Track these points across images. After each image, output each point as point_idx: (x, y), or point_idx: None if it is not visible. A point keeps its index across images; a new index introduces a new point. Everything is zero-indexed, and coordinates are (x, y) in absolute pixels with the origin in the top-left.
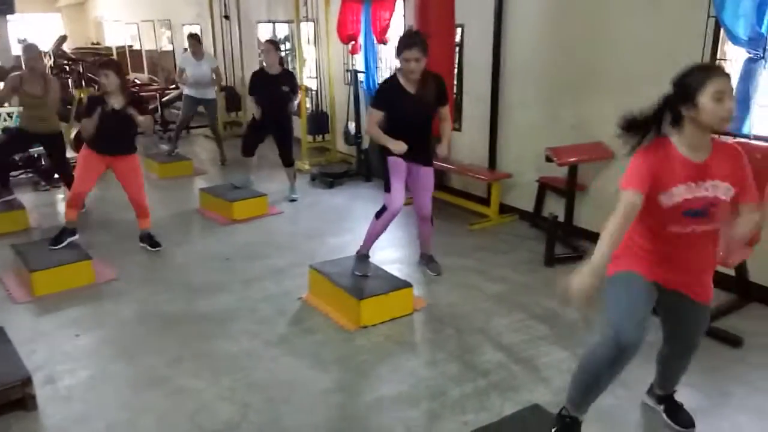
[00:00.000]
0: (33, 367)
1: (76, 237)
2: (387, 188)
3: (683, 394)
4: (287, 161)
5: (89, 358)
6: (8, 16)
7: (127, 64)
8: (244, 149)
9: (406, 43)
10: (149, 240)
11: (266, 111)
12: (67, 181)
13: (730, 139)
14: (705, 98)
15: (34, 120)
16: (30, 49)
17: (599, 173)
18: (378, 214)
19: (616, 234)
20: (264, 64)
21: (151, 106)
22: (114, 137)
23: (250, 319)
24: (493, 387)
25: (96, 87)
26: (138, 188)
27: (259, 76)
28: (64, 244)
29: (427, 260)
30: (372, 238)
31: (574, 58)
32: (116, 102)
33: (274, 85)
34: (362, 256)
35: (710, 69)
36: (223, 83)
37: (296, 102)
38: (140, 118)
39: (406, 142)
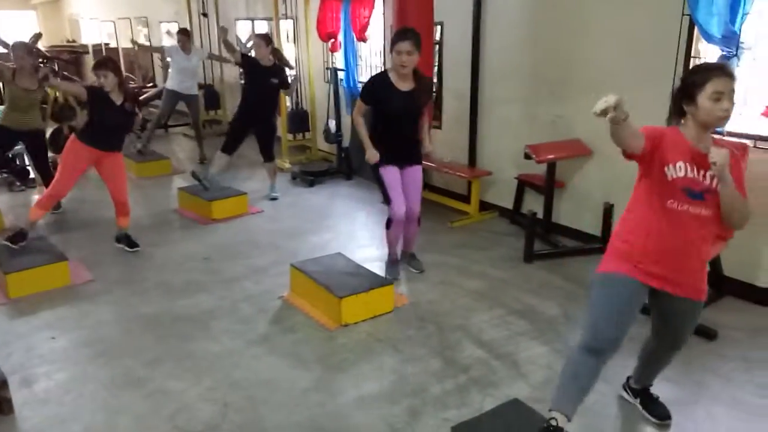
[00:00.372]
0: (9, 370)
1: (24, 243)
2: (386, 200)
3: (659, 387)
4: (268, 157)
5: (66, 360)
6: None
7: None
8: (225, 146)
9: (399, 35)
10: (127, 240)
11: (252, 104)
12: (48, 181)
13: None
14: (703, 97)
15: (20, 116)
16: (16, 47)
17: (577, 170)
18: (387, 225)
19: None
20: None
21: None
22: (113, 133)
23: (231, 318)
24: (473, 383)
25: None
26: (123, 186)
27: (253, 63)
28: (17, 247)
29: (409, 258)
30: (392, 244)
31: (553, 56)
32: (116, 99)
33: (265, 77)
34: (392, 261)
35: (712, 69)
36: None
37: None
38: (139, 117)
39: (394, 139)
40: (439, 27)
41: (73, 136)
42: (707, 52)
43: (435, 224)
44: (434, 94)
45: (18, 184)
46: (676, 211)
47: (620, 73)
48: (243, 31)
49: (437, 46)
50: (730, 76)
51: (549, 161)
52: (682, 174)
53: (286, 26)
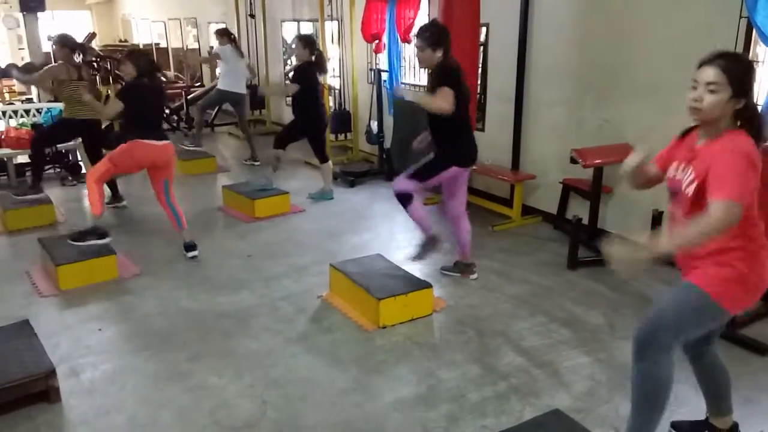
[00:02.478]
0: (57, 360)
1: (106, 240)
2: (423, 178)
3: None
4: (325, 158)
5: (111, 351)
6: (39, 14)
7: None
8: (277, 141)
9: (417, 31)
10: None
11: (311, 109)
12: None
13: None
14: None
15: (79, 106)
16: (54, 41)
17: None
18: (404, 207)
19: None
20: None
21: (176, 104)
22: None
23: (271, 316)
24: (513, 391)
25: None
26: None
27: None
28: (85, 244)
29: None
30: (420, 221)
31: (601, 59)
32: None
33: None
34: (428, 238)
35: (709, 58)
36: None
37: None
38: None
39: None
40: (484, 28)
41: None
42: (765, 56)
43: (476, 228)
44: (478, 95)
45: (70, 179)
46: (670, 210)
47: (672, 77)
48: (288, 32)
49: (482, 48)
50: (721, 67)
51: (596, 166)
52: (671, 175)
53: (331, 27)
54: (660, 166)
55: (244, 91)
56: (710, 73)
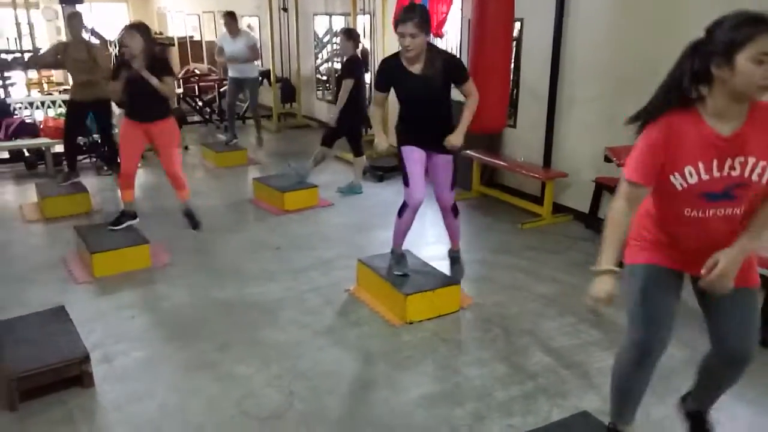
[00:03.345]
0: (91, 346)
1: (136, 221)
2: (406, 182)
3: (733, 409)
4: (360, 151)
5: (143, 339)
6: (77, 6)
7: (187, 54)
8: (325, 139)
9: (400, 17)
10: (190, 218)
11: (357, 102)
12: (111, 154)
13: None
14: (744, 57)
15: (83, 86)
16: (71, 17)
17: None
18: (400, 212)
19: (622, 226)
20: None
21: (209, 96)
22: (144, 102)
23: (299, 308)
24: (541, 391)
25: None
26: (171, 157)
27: (358, 62)
28: (122, 226)
29: (452, 258)
30: (400, 235)
31: (637, 56)
32: (138, 65)
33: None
34: (398, 256)
35: (760, 22)
36: (258, 62)
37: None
38: (155, 81)
39: (417, 124)
40: (518, 23)
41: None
42: None
43: (505, 225)
44: (511, 91)
45: (105, 168)
46: (698, 218)
47: None
48: (321, 26)
49: (515, 43)
50: None
51: None
52: (694, 180)
53: (363, 21)
54: (648, 181)
55: (249, 74)
56: None
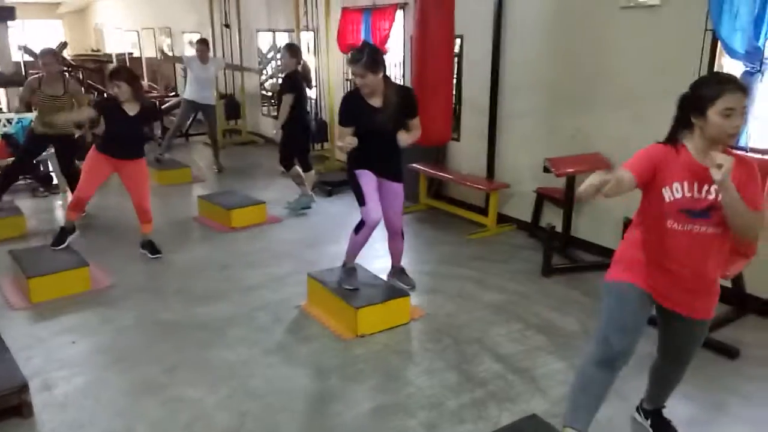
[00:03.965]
0: (29, 374)
1: (76, 234)
2: (361, 202)
3: (678, 406)
4: (309, 166)
5: (85, 365)
6: (9, 23)
7: None
8: (283, 162)
9: (350, 59)
10: (150, 247)
11: (301, 118)
12: (74, 185)
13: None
14: (714, 112)
15: (49, 122)
16: (44, 54)
17: None
18: (357, 229)
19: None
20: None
21: None
22: (127, 142)
23: (248, 327)
24: (490, 397)
25: (95, 94)
26: (144, 193)
27: (297, 78)
28: (66, 244)
29: (398, 273)
30: (354, 251)
31: (574, 70)
32: (131, 109)
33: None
34: (349, 269)
35: (726, 82)
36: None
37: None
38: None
39: (373, 153)
40: (459, 39)
41: (94, 145)
42: (730, 68)
43: (452, 236)
44: (454, 105)
45: (41, 189)
46: (679, 231)
47: (642, 87)
48: (264, 42)
49: (456, 59)
50: (743, 91)
51: (568, 175)
52: (679, 195)
53: (306, 38)
54: (642, 177)
55: (211, 101)
56: (742, 98)
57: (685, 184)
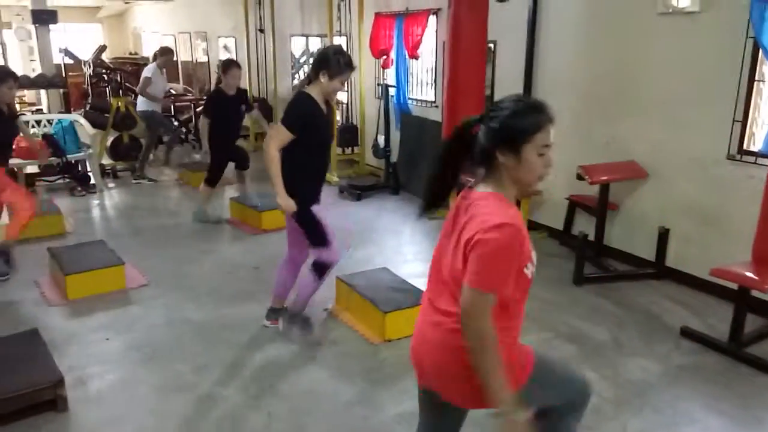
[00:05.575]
0: (65, 369)
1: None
2: (322, 242)
3: (711, 421)
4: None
5: (119, 361)
6: (51, 26)
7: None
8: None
9: (352, 64)
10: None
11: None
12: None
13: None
14: (530, 149)
15: None
16: None
17: (632, 192)
18: (321, 273)
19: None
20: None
21: (185, 116)
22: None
23: (277, 328)
24: None
25: (133, 96)
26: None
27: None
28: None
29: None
30: (308, 297)
31: (609, 76)
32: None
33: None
34: (306, 317)
35: (544, 112)
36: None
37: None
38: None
39: (319, 172)
40: (492, 45)
41: None
42: None
43: None
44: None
45: (79, 189)
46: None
47: (679, 94)
48: (297, 47)
49: (489, 65)
50: (553, 122)
51: (602, 183)
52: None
53: (339, 43)
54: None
55: (145, 107)
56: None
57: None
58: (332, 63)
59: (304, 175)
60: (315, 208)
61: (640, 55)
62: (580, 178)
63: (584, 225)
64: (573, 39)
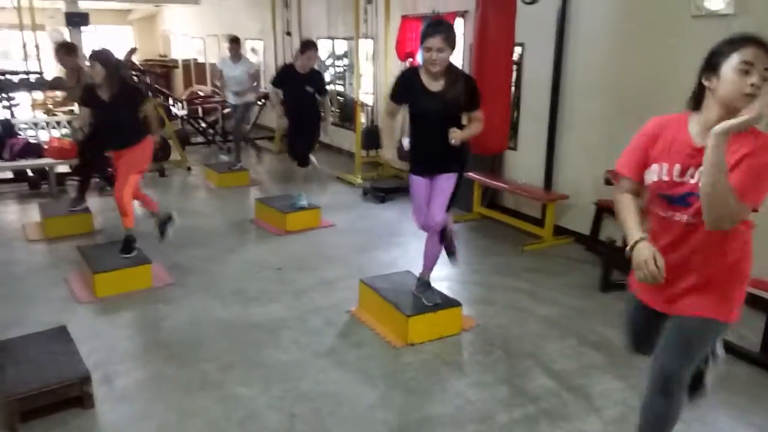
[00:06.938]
0: (92, 366)
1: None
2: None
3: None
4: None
5: (144, 359)
6: (83, 28)
7: (191, 76)
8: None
9: (429, 30)
10: (123, 243)
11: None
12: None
13: None
14: (728, 67)
15: None
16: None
17: None
18: (444, 235)
19: (631, 205)
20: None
21: (212, 117)
22: (111, 131)
23: (300, 329)
24: (543, 414)
25: (162, 98)
26: (119, 183)
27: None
28: (132, 254)
29: (423, 287)
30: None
31: (640, 79)
32: (104, 94)
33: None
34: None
35: (746, 38)
36: (260, 88)
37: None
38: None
39: (425, 144)
40: (520, 47)
41: None
42: None
43: (505, 247)
44: (513, 114)
45: (108, 188)
46: (662, 218)
47: None
48: (323, 49)
49: (516, 67)
50: (766, 50)
51: None
52: (654, 177)
53: (365, 45)
54: (636, 175)
55: (242, 100)
56: (764, 58)
57: (664, 167)
58: (421, 32)
59: (412, 137)
60: (413, 184)
61: (673, 58)
62: (608, 182)
63: (612, 230)
64: (603, 41)
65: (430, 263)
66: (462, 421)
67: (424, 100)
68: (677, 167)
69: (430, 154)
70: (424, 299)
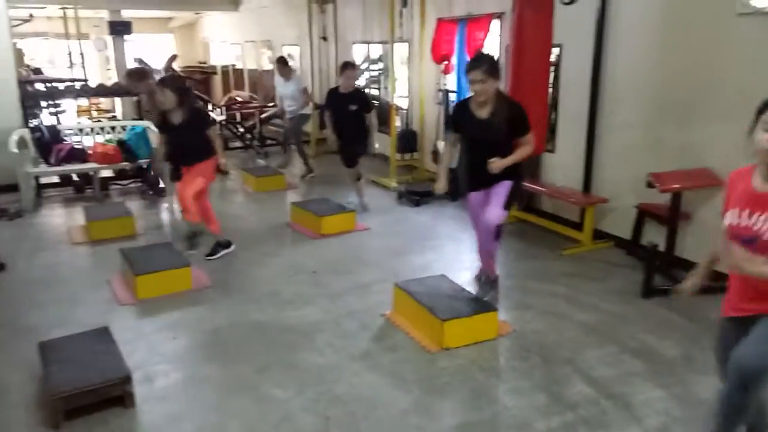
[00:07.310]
0: (132, 366)
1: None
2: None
3: None
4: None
5: (184, 360)
6: (126, 37)
7: (230, 82)
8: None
9: (471, 64)
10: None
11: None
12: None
13: None
14: (759, 128)
15: None
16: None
17: (706, 201)
18: (499, 233)
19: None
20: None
21: (250, 122)
22: (180, 151)
23: (335, 332)
24: (582, 422)
25: (203, 102)
26: (184, 180)
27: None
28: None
29: (488, 286)
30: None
31: (683, 80)
32: (175, 118)
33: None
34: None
35: None
36: (312, 99)
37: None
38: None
39: (476, 165)
40: (557, 49)
41: None
42: None
43: (543, 251)
44: (551, 116)
45: (150, 192)
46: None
47: (759, 99)
48: (358, 54)
49: (554, 68)
50: None
51: (674, 191)
52: (726, 223)
53: (401, 49)
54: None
55: (301, 111)
56: None
57: (737, 211)
58: (465, 67)
59: (465, 158)
60: (469, 198)
61: (717, 57)
62: (650, 186)
63: (654, 235)
64: (643, 41)
65: (487, 260)
66: (499, 428)
67: (472, 127)
68: (744, 212)
69: (481, 173)
70: (485, 295)
